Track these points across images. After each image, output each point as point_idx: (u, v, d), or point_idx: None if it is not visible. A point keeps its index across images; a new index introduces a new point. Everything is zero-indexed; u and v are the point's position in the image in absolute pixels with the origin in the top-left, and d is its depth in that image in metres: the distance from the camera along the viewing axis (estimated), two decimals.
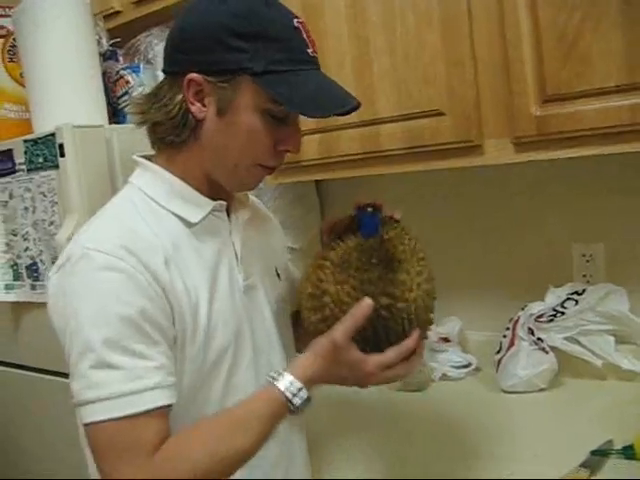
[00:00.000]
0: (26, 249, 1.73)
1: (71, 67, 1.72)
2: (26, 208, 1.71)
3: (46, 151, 1.62)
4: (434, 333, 1.93)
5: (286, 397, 1.02)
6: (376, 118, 1.63)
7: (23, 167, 1.71)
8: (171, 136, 1.10)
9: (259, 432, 1.01)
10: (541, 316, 1.71)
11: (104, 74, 1.89)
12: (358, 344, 1.04)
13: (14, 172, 1.74)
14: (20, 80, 1.90)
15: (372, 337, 1.05)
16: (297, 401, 1.02)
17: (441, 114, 1.53)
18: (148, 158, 1.16)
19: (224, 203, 1.16)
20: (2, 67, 1.96)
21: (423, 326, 1.10)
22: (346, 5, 1.63)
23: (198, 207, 1.13)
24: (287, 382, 1.03)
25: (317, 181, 2.21)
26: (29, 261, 1.73)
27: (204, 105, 1.07)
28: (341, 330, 1.03)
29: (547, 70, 1.36)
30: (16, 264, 1.78)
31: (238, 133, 1.07)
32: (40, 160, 1.64)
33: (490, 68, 1.46)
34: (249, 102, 1.05)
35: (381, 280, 1.05)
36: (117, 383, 0.96)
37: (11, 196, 1.76)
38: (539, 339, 1.69)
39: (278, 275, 1.31)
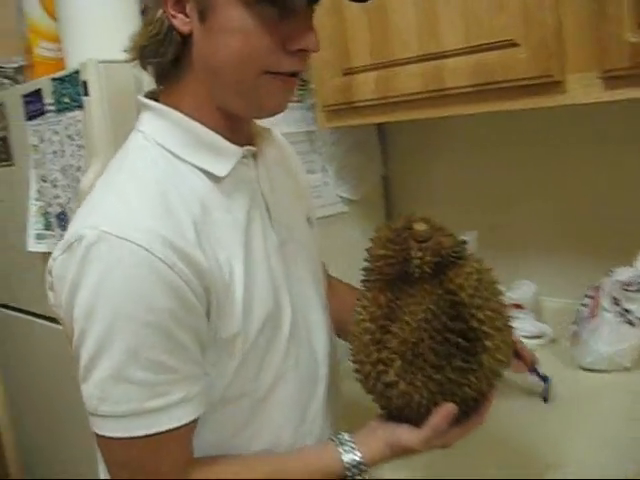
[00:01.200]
0: (56, 197, 1.61)
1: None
2: (55, 152, 1.58)
3: (71, 90, 1.48)
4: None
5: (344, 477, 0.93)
6: (440, 51, 1.42)
7: (52, 108, 1.58)
8: (157, 58, 0.91)
9: None
10: (630, 284, 1.48)
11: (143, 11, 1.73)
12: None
13: (43, 113, 1.62)
14: (55, 16, 1.76)
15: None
16: None
17: (515, 45, 1.30)
18: (154, 98, 0.97)
19: (253, 149, 0.98)
20: (39, 3, 1.83)
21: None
22: None
23: (224, 156, 0.93)
24: (352, 459, 0.93)
25: (379, 126, 2.00)
26: (59, 210, 1.60)
27: (187, 15, 0.88)
28: (419, 438, 0.92)
29: None
30: (47, 212, 1.66)
31: (227, 36, 0.86)
32: (67, 100, 1.50)
33: None
34: None
35: (461, 373, 0.90)
36: (136, 400, 0.82)
37: (41, 140, 1.64)
38: (626, 310, 1.46)
39: (309, 221, 1.13)
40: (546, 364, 1.57)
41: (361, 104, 1.59)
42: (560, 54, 1.25)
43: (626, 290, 1.47)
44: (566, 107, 1.29)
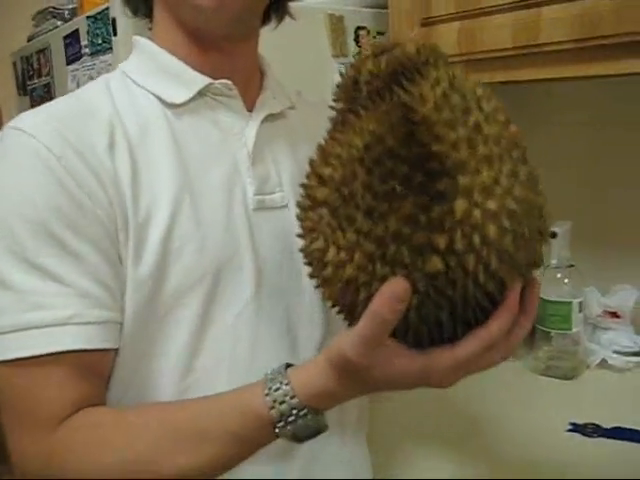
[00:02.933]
0: None
1: None
2: None
3: (104, 29, 1.32)
4: (597, 304, 1.47)
5: (271, 418, 0.65)
6: None
7: (87, 51, 1.43)
8: None
9: (218, 454, 0.68)
10: None
11: None
12: (406, 340, 0.61)
13: (80, 57, 1.47)
14: None
15: (429, 328, 0.61)
16: (289, 428, 0.65)
17: None
18: None
19: (228, 82, 0.84)
20: None
21: (525, 270, 0.63)
22: None
23: (183, 84, 0.83)
24: (281, 395, 0.65)
25: None
26: None
27: None
28: (354, 340, 0.60)
29: None
30: None
31: None
32: (99, 41, 1.34)
33: None
34: None
35: (417, 226, 0.57)
36: (16, 311, 0.70)
37: (78, 85, 1.48)
38: None
39: None
40: None
41: None
42: None
43: None
44: None
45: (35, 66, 1.78)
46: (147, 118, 0.81)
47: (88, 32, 1.38)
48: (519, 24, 1.20)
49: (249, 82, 0.88)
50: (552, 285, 1.40)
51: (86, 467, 0.68)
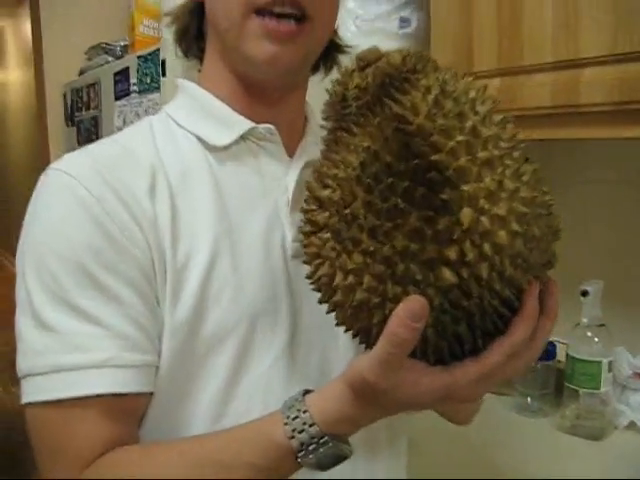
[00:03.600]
0: None
1: None
2: None
3: (153, 69, 1.35)
4: (627, 364, 1.44)
5: (292, 448, 0.64)
6: (578, 58, 1.16)
7: (135, 88, 1.46)
8: (187, 35, 0.89)
9: None
10: None
11: None
12: (427, 358, 0.60)
13: (129, 94, 1.50)
14: None
15: (449, 342, 0.59)
16: (311, 457, 0.64)
17: None
18: None
19: (271, 127, 0.84)
20: None
21: (540, 270, 0.61)
22: None
23: (227, 127, 0.83)
24: (300, 423, 0.64)
25: None
26: None
27: None
28: (372, 361, 0.59)
29: None
30: None
31: None
32: (148, 80, 1.37)
33: None
34: None
35: (424, 241, 0.55)
36: (52, 352, 0.70)
37: (124, 121, 1.52)
38: None
39: None
40: None
41: None
42: None
43: None
44: None
45: (84, 99, 1.83)
46: (189, 161, 0.81)
47: (138, 71, 1.42)
48: (559, 84, 1.20)
49: (292, 128, 0.89)
50: (582, 344, 1.39)
51: None
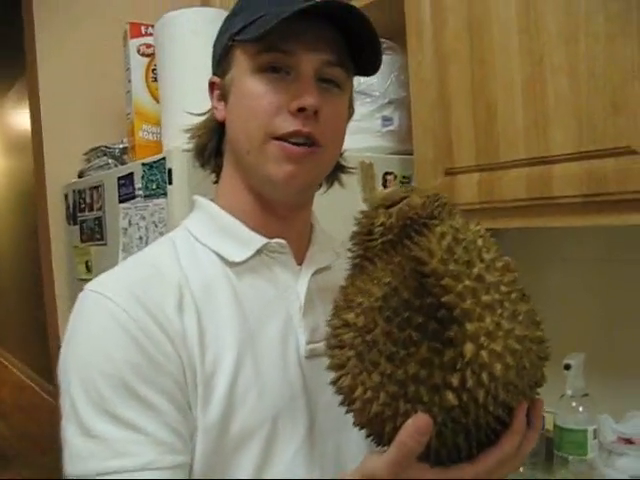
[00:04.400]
0: None
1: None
2: (140, 238, 1.56)
3: (159, 176, 1.45)
4: (611, 431, 1.53)
5: None
6: (548, 156, 1.30)
7: (141, 193, 1.56)
8: (207, 152, 0.97)
9: None
10: None
11: None
12: (428, 461, 0.69)
13: (134, 197, 1.60)
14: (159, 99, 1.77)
15: (448, 449, 0.68)
16: None
17: (633, 152, 1.16)
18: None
19: (283, 242, 0.93)
20: (145, 87, 1.87)
21: (529, 392, 0.70)
22: (518, 13, 1.32)
23: (243, 244, 0.92)
24: None
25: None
26: None
27: (224, 103, 0.94)
28: (382, 463, 0.68)
29: None
30: None
31: (240, 103, 0.89)
32: (154, 186, 1.48)
33: None
34: (241, 68, 0.89)
35: (431, 368, 0.65)
36: (97, 458, 0.76)
37: (130, 223, 1.62)
38: None
39: None
40: None
41: (462, 207, 1.46)
42: None
43: None
44: None
45: (87, 200, 1.93)
46: (210, 277, 0.88)
47: (143, 177, 1.52)
48: (533, 178, 1.32)
49: (300, 239, 0.97)
50: (568, 413, 1.46)
51: None
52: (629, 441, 1.53)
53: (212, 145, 0.97)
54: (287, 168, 0.86)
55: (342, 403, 0.73)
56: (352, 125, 1.67)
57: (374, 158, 1.68)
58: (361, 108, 1.70)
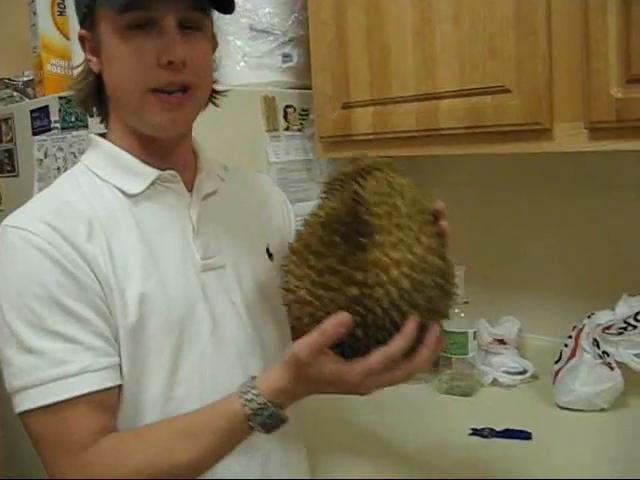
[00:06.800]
0: None
1: None
2: (58, 168, 1.63)
3: (78, 109, 1.52)
4: (487, 333, 1.76)
5: (245, 414, 0.89)
6: (435, 92, 1.47)
7: (58, 125, 1.62)
8: (89, 99, 1.06)
9: (211, 447, 0.91)
10: (609, 327, 1.51)
11: None
12: (337, 350, 0.86)
13: (49, 130, 1.67)
14: (69, 35, 1.81)
15: (350, 340, 0.84)
16: (258, 420, 0.89)
17: (507, 91, 1.35)
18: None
19: (174, 172, 1.05)
20: (51, 21, 1.90)
21: (425, 311, 0.84)
22: None
23: (139, 177, 1.03)
24: (250, 395, 0.89)
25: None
26: None
27: (96, 57, 1.01)
28: (304, 344, 0.85)
29: (634, 45, 1.16)
30: None
31: (113, 62, 0.98)
32: (72, 119, 1.55)
33: (567, 40, 1.26)
34: (108, 26, 0.96)
35: (345, 265, 0.83)
36: (40, 369, 0.89)
37: (46, 155, 1.69)
38: (605, 353, 1.50)
39: (270, 255, 1.16)
40: (526, 401, 1.63)
41: (358, 137, 1.64)
42: (550, 103, 1.30)
43: (605, 333, 1.51)
44: (554, 154, 1.33)
45: None
46: (113, 208, 1.00)
47: (60, 110, 1.59)
48: (422, 112, 1.49)
49: (186, 167, 1.09)
50: (451, 319, 1.68)
51: (120, 468, 0.89)
52: (502, 342, 1.79)
53: (92, 95, 1.06)
54: (167, 115, 0.98)
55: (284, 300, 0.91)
56: (254, 62, 1.82)
57: (275, 92, 1.82)
58: (262, 46, 1.80)
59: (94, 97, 1.06)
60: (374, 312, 0.81)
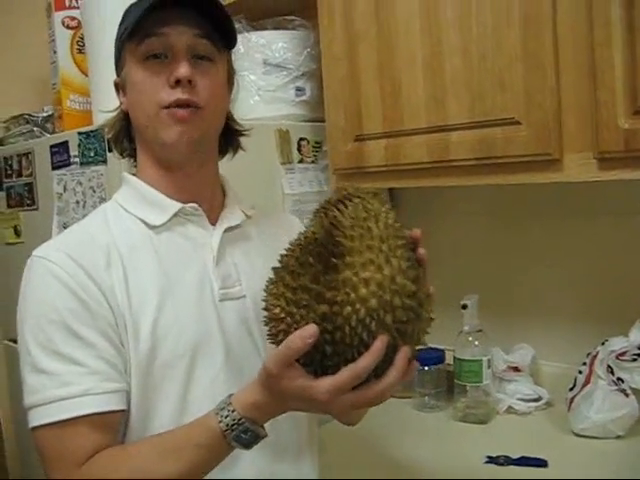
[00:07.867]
0: None
1: None
2: (77, 202, 1.67)
3: (97, 145, 1.57)
4: (502, 361, 1.77)
5: (221, 429, 0.92)
6: (446, 124, 1.50)
7: (77, 160, 1.66)
8: (120, 140, 1.16)
9: (193, 462, 0.94)
10: (623, 354, 1.52)
11: None
12: (309, 369, 0.87)
13: (69, 165, 1.71)
14: (87, 72, 1.86)
15: (319, 357, 0.85)
16: (234, 435, 0.92)
17: (517, 123, 1.38)
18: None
19: (196, 206, 1.10)
20: (70, 58, 1.95)
21: (395, 332, 0.84)
22: (419, 0, 1.50)
23: (161, 209, 1.09)
24: (226, 412, 0.92)
25: (389, 190, 2.06)
26: None
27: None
28: (273, 358, 0.87)
29: None
30: None
31: (134, 88, 1.07)
32: (92, 154, 1.59)
33: (574, 73, 1.30)
34: (131, 62, 1.06)
35: (317, 284, 0.85)
36: (47, 389, 0.96)
37: (65, 189, 1.72)
38: (619, 379, 1.51)
39: None
40: (541, 428, 1.63)
41: (371, 169, 1.67)
42: (559, 134, 1.33)
43: (620, 360, 1.52)
44: (564, 184, 1.35)
45: (15, 167, 2.00)
46: (135, 239, 1.06)
47: (80, 145, 1.63)
48: (433, 144, 1.52)
49: (212, 201, 1.14)
50: (465, 347, 1.69)
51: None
52: (517, 369, 1.78)
53: (123, 133, 1.15)
54: (176, 129, 1.04)
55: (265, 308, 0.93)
56: (268, 95, 1.86)
57: (289, 125, 1.86)
58: (276, 80, 1.85)
59: (125, 135, 1.14)
60: (343, 330, 0.83)
